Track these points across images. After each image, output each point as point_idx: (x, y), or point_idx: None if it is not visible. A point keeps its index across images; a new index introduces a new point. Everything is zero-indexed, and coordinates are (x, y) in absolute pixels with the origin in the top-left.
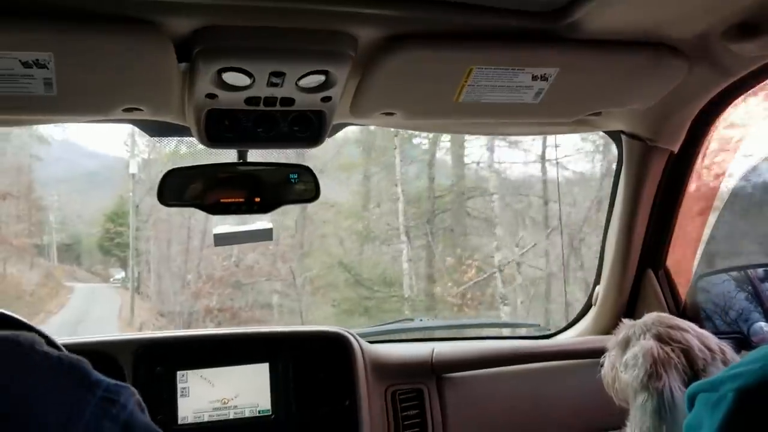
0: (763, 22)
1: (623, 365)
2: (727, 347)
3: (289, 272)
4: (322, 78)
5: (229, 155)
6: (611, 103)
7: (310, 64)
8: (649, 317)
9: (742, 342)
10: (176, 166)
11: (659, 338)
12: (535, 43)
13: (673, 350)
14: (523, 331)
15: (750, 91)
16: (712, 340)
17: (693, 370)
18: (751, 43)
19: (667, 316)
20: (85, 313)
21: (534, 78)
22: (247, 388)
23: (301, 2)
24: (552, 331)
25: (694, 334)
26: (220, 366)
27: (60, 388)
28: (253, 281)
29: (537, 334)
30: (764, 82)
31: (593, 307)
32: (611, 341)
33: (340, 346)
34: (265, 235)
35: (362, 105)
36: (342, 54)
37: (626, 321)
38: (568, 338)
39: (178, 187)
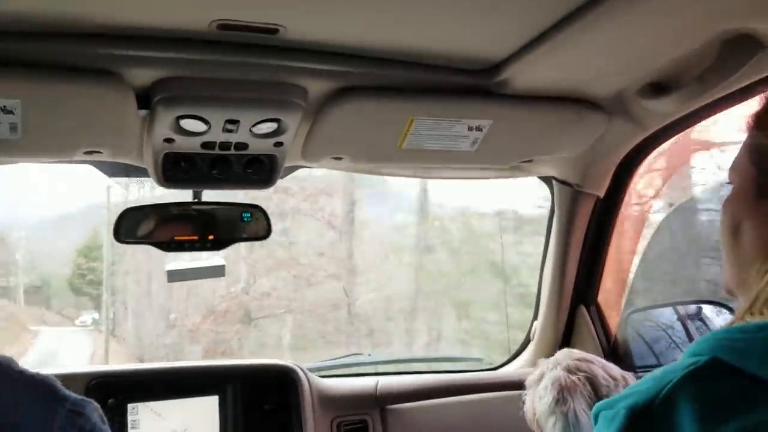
0: (672, 83)
1: (538, 397)
2: (629, 376)
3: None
4: (274, 125)
5: (185, 193)
6: (540, 151)
7: (263, 112)
8: (561, 353)
9: None
10: (132, 206)
11: (568, 369)
12: (470, 97)
13: (579, 379)
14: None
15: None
16: (616, 370)
17: (598, 396)
18: (662, 101)
19: (576, 352)
20: (48, 361)
21: (470, 129)
22: (197, 420)
23: (256, 57)
24: (494, 366)
25: (599, 365)
26: (170, 399)
27: (37, 401)
28: (268, 314)
29: (480, 368)
30: (677, 135)
31: (531, 342)
32: (529, 379)
33: (288, 380)
34: (218, 271)
35: (312, 150)
36: (293, 104)
37: (541, 360)
38: (510, 371)
39: (134, 225)
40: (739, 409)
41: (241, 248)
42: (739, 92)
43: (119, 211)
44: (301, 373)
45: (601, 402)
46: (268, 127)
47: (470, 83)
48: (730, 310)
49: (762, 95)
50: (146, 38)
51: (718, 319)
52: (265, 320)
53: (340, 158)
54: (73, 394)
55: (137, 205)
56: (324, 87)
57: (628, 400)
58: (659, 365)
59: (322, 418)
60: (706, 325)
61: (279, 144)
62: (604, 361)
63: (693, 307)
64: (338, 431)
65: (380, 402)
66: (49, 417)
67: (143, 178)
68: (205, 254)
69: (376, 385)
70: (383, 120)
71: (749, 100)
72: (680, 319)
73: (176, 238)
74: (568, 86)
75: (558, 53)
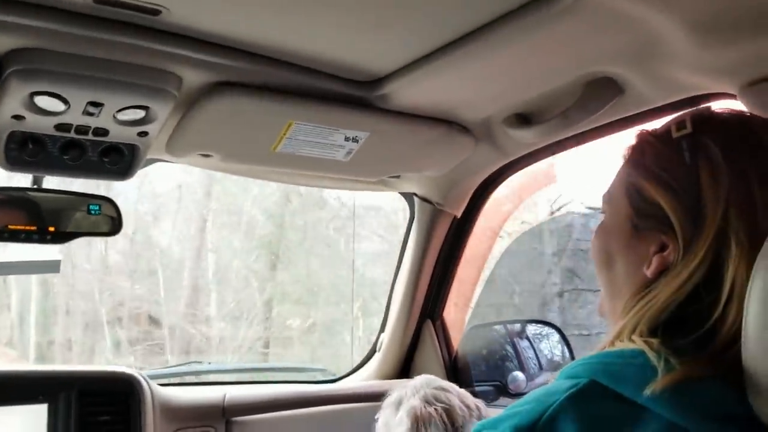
0: (537, 115)
1: (395, 424)
2: (481, 404)
3: None
4: (141, 113)
5: (22, 178)
6: (409, 168)
7: (131, 98)
8: (418, 379)
9: (501, 389)
10: None
11: (425, 399)
12: (351, 107)
13: (436, 410)
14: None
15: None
16: (470, 398)
17: (454, 426)
18: (524, 131)
19: (434, 379)
20: None
21: (346, 139)
22: (22, 431)
23: (132, 37)
24: (338, 376)
25: (455, 393)
26: None
27: None
28: None
29: (324, 378)
30: (535, 163)
31: (377, 353)
32: (386, 401)
33: (128, 388)
34: (52, 266)
35: (179, 144)
36: (165, 92)
37: (400, 381)
38: (353, 383)
39: None
40: (618, 430)
41: None
42: (598, 129)
43: None
44: (143, 382)
45: (483, 421)
46: (135, 114)
47: (352, 94)
48: (556, 328)
49: (638, 130)
50: (7, 1)
51: (544, 337)
52: None
53: (208, 155)
54: None
55: None
56: (201, 78)
57: (512, 420)
58: (493, 380)
59: (163, 430)
60: (531, 342)
61: (144, 134)
62: (458, 388)
63: (523, 326)
64: None
65: (227, 414)
66: None
67: None
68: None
69: (224, 396)
70: (260, 120)
71: (607, 137)
72: (510, 336)
73: (10, 227)
74: (443, 107)
75: (438, 75)
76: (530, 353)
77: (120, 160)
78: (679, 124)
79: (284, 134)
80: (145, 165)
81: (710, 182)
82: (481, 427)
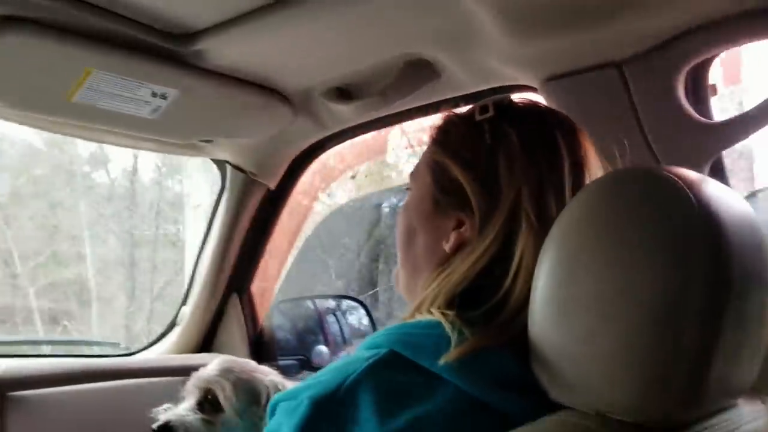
0: (356, 91)
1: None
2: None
3: None
4: None
5: None
6: (223, 132)
7: None
8: (218, 360)
9: (305, 363)
10: None
11: (221, 377)
12: (160, 61)
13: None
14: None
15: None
16: (266, 371)
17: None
18: (344, 106)
19: (229, 359)
20: None
21: (153, 95)
22: None
23: None
24: (133, 350)
25: (253, 369)
26: None
27: None
28: None
29: (118, 352)
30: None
31: (177, 326)
32: (185, 388)
33: None
34: None
35: None
36: None
37: (201, 356)
38: (150, 356)
39: None
40: (416, 398)
41: None
42: (417, 109)
43: None
44: None
45: (280, 393)
46: None
47: (162, 46)
48: (361, 303)
49: (445, 112)
50: None
51: (353, 311)
52: None
53: None
54: None
55: None
56: None
57: (311, 391)
58: (298, 354)
59: None
60: (336, 317)
61: None
62: (258, 365)
63: (330, 301)
64: None
65: (3, 388)
66: None
67: None
68: None
69: None
70: (53, 64)
71: (425, 118)
72: (317, 311)
73: None
74: (262, 72)
75: (256, 37)
76: (335, 328)
77: None
78: (483, 108)
79: (82, 82)
80: None
81: (506, 165)
82: (276, 401)
